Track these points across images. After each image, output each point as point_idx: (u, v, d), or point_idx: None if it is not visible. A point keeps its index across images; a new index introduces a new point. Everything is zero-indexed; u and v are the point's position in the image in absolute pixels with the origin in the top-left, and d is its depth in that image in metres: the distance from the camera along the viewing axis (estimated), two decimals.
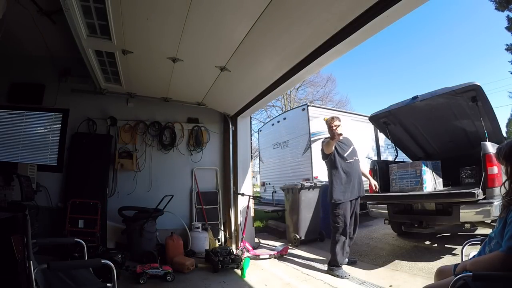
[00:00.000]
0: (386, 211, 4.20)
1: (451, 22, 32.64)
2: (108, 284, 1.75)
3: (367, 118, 5.27)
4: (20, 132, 4.50)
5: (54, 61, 4.49)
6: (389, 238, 5.10)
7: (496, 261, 1.28)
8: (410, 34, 33.13)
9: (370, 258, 4.07)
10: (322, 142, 3.76)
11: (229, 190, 5.18)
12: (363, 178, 3.86)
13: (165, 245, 4.09)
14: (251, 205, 4.93)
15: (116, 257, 3.35)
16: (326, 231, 5.10)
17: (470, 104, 3.73)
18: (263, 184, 9.05)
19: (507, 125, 16.53)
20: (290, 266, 3.92)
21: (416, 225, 3.98)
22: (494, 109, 3.92)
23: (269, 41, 2.88)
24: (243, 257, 3.84)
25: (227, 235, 5.13)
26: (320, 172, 6.03)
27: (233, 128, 5.31)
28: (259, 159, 9.81)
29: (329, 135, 3.86)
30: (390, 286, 3.05)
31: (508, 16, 10.94)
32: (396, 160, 5.05)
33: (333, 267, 3.46)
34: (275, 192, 7.66)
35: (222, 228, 5.18)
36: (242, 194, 4.85)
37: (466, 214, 3.33)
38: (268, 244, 5.19)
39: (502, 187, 1.47)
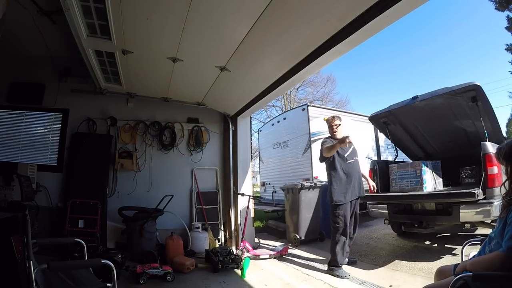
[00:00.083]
0: (386, 211, 4.20)
1: (451, 22, 32.69)
2: (108, 284, 1.75)
3: (367, 118, 5.27)
4: (20, 132, 4.50)
5: (54, 61, 4.49)
6: (389, 238, 5.10)
7: (496, 261, 1.28)
8: (410, 34, 33.20)
9: (370, 258, 4.07)
10: (323, 143, 3.71)
11: (229, 190, 5.18)
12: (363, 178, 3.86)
13: (165, 245, 4.09)
14: (251, 205, 4.93)
15: (116, 257, 3.35)
16: (326, 231, 5.10)
17: (470, 104, 3.73)
18: (263, 184, 9.06)
19: (507, 125, 16.56)
20: (290, 266, 3.92)
21: (416, 225, 3.98)
22: (494, 109, 3.93)
23: (269, 41, 2.88)
24: (243, 257, 3.84)
25: (227, 235, 5.13)
26: (320, 172, 6.03)
27: (233, 128, 5.31)
28: (259, 159, 9.81)
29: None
30: (390, 286, 3.05)
31: (508, 16, 10.95)
32: (396, 160, 5.05)
33: (333, 267, 3.46)
34: (275, 192, 7.66)
35: (222, 228, 5.18)
36: (242, 194, 4.85)
37: (466, 214, 3.33)
38: (268, 244, 5.19)
39: (502, 187, 1.47)
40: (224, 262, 3.66)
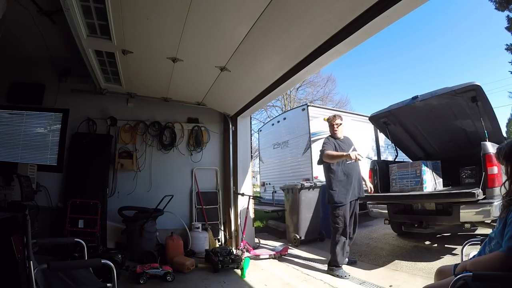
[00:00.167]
0: (386, 211, 4.20)
1: (451, 22, 32.70)
2: (108, 284, 1.75)
3: (367, 118, 5.27)
4: (20, 132, 4.50)
5: (54, 61, 4.49)
6: (389, 238, 5.10)
7: (496, 261, 1.28)
8: (410, 34, 33.21)
9: (370, 258, 4.07)
10: (324, 145, 3.62)
11: (229, 190, 5.18)
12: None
13: (165, 245, 4.09)
14: (251, 205, 4.92)
15: (116, 257, 3.35)
16: (326, 231, 5.10)
17: (470, 104, 3.73)
18: (263, 184, 9.05)
19: (507, 125, 16.58)
20: (290, 266, 3.92)
21: (416, 225, 3.98)
22: (494, 109, 3.93)
23: (269, 41, 2.88)
24: (243, 257, 3.84)
25: (227, 235, 5.13)
26: (320, 172, 5.99)
27: (233, 128, 5.31)
28: (259, 159, 9.81)
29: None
30: (390, 286, 3.05)
31: (508, 16, 10.95)
32: (396, 160, 5.05)
33: (333, 267, 3.46)
34: (275, 192, 7.66)
35: (222, 228, 5.18)
36: (242, 194, 4.85)
37: (466, 214, 3.33)
38: (268, 244, 5.19)
39: (502, 187, 1.47)
40: (224, 262, 3.66)
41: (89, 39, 3.10)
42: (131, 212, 4.24)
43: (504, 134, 9.29)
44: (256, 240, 5.09)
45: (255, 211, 5.64)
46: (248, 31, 2.70)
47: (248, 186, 5.17)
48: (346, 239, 3.50)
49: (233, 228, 5.05)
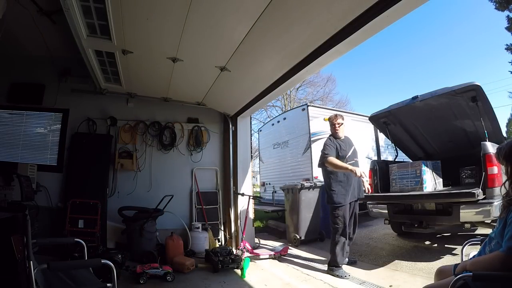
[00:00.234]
0: (386, 211, 4.20)
1: (451, 22, 32.71)
2: (108, 284, 1.75)
3: (367, 118, 5.27)
4: (20, 132, 4.50)
5: (54, 61, 4.49)
6: (389, 238, 5.10)
7: (496, 261, 1.28)
8: (410, 34, 33.22)
9: (370, 258, 4.07)
10: (325, 147, 3.58)
11: (229, 190, 5.18)
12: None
13: (165, 245, 4.09)
14: (251, 205, 4.92)
15: (116, 257, 3.35)
16: (326, 231, 5.10)
17: (470, 104, 3.73)
18: (263, 184, 9.05)
19: (507, 125, 16.59)
20: (290, 266, 3.92)
21: (416, 225, 3.98)
22: (494, 109, 3.92)
23: (269, 41, 2.88)
24: (243, 257, 3.84)
25: (227, 235, 5.13)
26: (320, 172, 6.02)
27: (233, 128, 5.31)
28: (259, 159, 9.81)
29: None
30: (390, 286, 3.05)
31: (508, 16, 10.95)
32: (396, 160, 5.05)
33: (333, 267, 3.46)
34: (275, 192, 7.66)
35: (222, 228, 5.18)
36: (242, 194, 4.85)
37: (466, 214, 3.33)
38: (268, 244, 5.19)
39: (502, 187, 1.47)
40: (224, 262, 3.66)
41: (89, 39, 3.10)
42: (131, 212, 4.24)
43: (504, 134, 9.30)
44: (256, 240, 5.09)
45: (255, 211, 5.64)
46: (248, 31, 2.70)
47: (248, 186, 5.17)
48: (346, 239, 3.50)
49: (233, 228, 5.05)
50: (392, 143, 5.32)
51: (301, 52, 2.95)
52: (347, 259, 3.70)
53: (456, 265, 1.52)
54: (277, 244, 5.05)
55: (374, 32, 2.48)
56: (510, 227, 1.27)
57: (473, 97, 3.64)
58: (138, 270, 3.29)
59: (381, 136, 7.61)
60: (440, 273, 1.69)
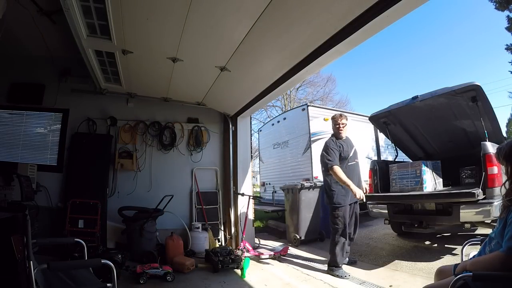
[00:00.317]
0: (386, 211, 4.20)
1: (451, 22, 32.70)
2: (108, 284, 1.75)
3: (367, 118, 5.27)
4: (20, 132, 4.50)
5: (54, 61, 4.48)
6: (389, 238, 5.10)
7: (496, 261, 1.28)
8: (410, 34, 33.22)
9: (370, 258, 4.07)
10: (327, 147, 3.56)
11: (229, 190, 5.18)
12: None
13: (165, 245, 4.09)
14: (251, 205, 4.92)
15: (116, 257, 3.35)
16: (326, 231, 5.10)
17: (470, 104, 3.73)
18: (263, 184, 9.06)
19: (507, 125, 16.58)
20: (290, 266, 3.92)
21: (416, 225, 3.97)
22: (494, 109, 3.92)
23: (269, 41, 2.88)
24: (243, 257, 3.84)
25: (227, 235, 5.13)
26: (320, 172, 6.03)
27: (233, 128, 5.31)
28: (259, 159, 9.81)
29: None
30: (390, 286, 3.05)
31: (508, 16, 10.95)
32: (396, 160, 5.05)
33: (333, 267, 3.46)
34: (275, 192, 7.66)
35: (222, 228, 5.18)
36: (242, 194, 4.85)
37: (466, 214, 3.33)
38: (268, 244, 5.19)
39: (502, 187, 1.47)
40: (224, 262, 3.66)
41: (89, 39, 3.10)
42: (131, 212, 4.24)
43: (504, 134, 9.29)
44: (256, 240, 5.09)
45: (255, 211, 5.64)
46: (248, 31, 2.70)
47: (248, 186, 5.17)
48: (346, 239, 3.50)
49: (233, 228, 5.05)
50: (392, 143, 5.31)
51: (301, 52, 2.95)
52: (347, 259, 3.70)
53: (456, 265, 1.52)
54: (277, 244, 5.05)
55: (374, 32, 2.48)
56: (510, 227, 1.27)
57: (473, 97, 3.64)
58: (138, 270, 3.29)
59: (381, 136, 7.61)
60: (440, 273, 1.69)
